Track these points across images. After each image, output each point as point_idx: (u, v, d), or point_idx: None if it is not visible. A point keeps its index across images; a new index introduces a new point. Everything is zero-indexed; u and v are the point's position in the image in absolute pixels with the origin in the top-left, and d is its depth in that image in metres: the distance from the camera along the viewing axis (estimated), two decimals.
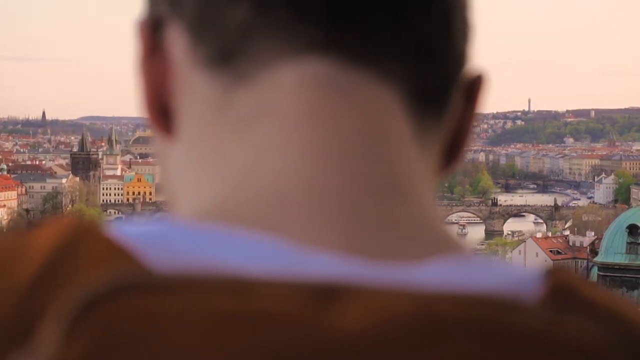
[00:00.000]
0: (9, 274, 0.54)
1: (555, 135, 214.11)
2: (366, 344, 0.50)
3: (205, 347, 0.49)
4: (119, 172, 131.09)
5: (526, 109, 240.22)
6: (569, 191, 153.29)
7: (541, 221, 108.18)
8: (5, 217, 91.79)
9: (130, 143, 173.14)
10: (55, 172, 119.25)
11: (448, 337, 0.51)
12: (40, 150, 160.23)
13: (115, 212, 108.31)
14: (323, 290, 0.52)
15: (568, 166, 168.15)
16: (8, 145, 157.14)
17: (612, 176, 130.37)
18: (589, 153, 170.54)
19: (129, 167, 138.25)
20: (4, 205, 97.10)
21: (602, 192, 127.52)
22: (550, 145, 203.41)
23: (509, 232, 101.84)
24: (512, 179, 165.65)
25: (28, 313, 0.52)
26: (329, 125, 0.62)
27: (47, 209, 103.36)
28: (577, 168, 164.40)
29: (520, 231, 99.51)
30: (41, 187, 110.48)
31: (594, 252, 48.14)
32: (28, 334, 0.51)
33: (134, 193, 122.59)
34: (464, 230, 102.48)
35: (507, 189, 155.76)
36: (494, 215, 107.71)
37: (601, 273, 42.30)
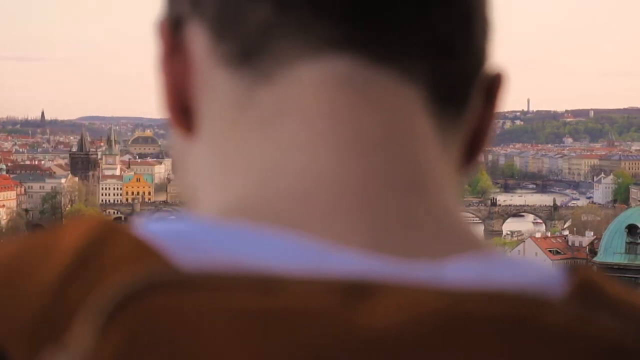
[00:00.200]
0: (36, 273, 0.54)
1: (554, 135, 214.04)
2: (398, 341, 0.50)
3: (238, 345, 0.49)
4: (118, 172, 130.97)
5: (525, 109, 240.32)
6: (568, 191, 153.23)
7: (540, 221, 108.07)
8: (4, 217, 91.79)
9: (129, 143, 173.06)
10: (54, 172, 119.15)
11: (479, 334, 0.51)
12: (39, 150, 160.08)
13: (114, 212, 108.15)
14: (353, 288, 0.52)
15: (567, 166, 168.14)
16: (7, 145, 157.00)
17: (611, 176, 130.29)
18: (588, 153, 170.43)
19: (128, 167, 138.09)
20: (3, 205, 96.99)
21: (601, 192, 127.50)
22: (549, 145, 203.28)
23: (508, 232, 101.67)
24: (511, 179, 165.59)
25: (57, 311, 0.53)
26: (352, 123, 0.62)
27: (46, 209, 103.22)
28: (576, 168, 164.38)
29: (520, 231, 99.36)
30: (40, 187, 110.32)
31: (593, 252, 48.17)
32: (59, 332, 0.52)
33: (133, 193, 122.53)
34: None
35: (506, 189, 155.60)
36: (493, 216, 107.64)
37: None
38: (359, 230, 0.58)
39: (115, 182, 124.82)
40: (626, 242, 44.59)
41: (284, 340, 0.50)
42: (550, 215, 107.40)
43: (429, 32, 0.64)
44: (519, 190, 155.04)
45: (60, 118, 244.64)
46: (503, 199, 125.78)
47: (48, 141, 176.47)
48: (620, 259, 44.20)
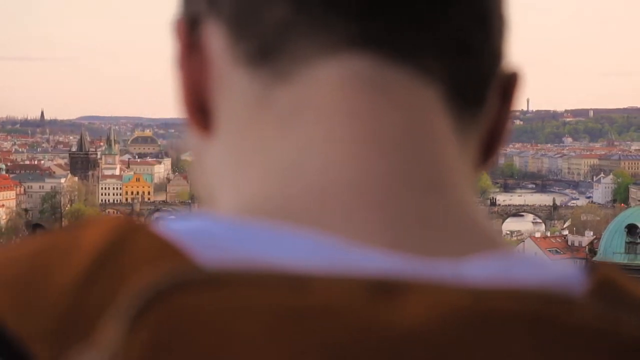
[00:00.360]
0: (58, 273, 0.54)
1: (554, 135, 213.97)
2: (427, 339, 0.50)
3: (268, 343, 0.49)
4: (117, 172, 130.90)
5: (525, 108, 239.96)
6: (567, 191, 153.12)
7: (540, 221, 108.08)
8: (4, 217, 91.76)
9: (128, 143, 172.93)
10: (54, 172, 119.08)
11: (507, 331, 0.51)
12: (38, 150, 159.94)
13: (114, 212, 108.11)
14: (381, 285, 0.52)
15: (567, 166, 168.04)
16: (6, 145, 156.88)
17: (611, 176, 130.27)
18: (588, 153, 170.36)
19: (128, 167, 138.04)
20: (3, 205, 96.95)
21: (601, 191, 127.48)
22: (549, 145, 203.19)
23: (508, 232, 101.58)
24: (510, 179, 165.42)
25: (80, 311, 0.53)
26: (370, 122, 0.62)
27: (45, 208, 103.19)
28: (576, 168, 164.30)
29: (519, 231, 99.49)
30: (40, 187, 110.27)
31: (592, 251, 48.14)
32: (83, 331, 0.52)
33: (132, 193, 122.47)
34: None
35: (506, 188, 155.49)
36: (492, 215, 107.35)
37: None
38: (379, 229, 0.58)
39: (114, 181, 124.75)
40: (626, 242, 44.54)
41: (314, 338, 0.49)
42: (549, 215, 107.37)
43: (447, 31, 0.64)
44: (518, 190, 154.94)
45: (59, 118, 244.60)
46: (502, 198, 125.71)
47: (47, 141, 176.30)
48: (619, 258, 44.14)
